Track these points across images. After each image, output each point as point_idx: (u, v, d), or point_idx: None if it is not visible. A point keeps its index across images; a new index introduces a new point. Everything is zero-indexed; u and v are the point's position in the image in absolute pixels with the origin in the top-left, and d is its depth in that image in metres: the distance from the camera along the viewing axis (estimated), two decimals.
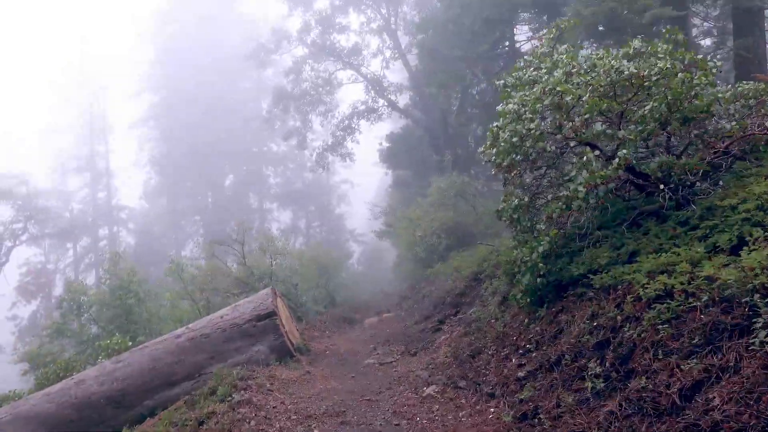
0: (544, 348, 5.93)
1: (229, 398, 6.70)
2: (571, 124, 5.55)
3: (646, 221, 6.34)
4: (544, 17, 22.87)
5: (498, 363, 6.67)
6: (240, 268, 17.06)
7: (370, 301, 28.79)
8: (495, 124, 6.55)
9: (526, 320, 6.85)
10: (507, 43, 22.52)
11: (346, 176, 60.58)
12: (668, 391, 3.91)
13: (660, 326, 4.37)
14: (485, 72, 23.93)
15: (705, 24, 17.47)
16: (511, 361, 6.45)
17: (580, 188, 5.35)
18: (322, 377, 8.43)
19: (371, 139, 52.63)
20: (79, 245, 47.73)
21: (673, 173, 5.66)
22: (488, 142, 7.51)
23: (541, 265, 6.29)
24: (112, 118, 52.95)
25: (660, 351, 4.24)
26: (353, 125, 32.06)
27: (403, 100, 32.67)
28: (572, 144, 6.14)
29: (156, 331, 15.31)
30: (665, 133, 5.61)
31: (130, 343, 11.43)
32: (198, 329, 9.65)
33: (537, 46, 8.00)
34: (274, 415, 6.22)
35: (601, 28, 15.28)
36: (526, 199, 6.86)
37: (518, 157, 6.33)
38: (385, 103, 31.52)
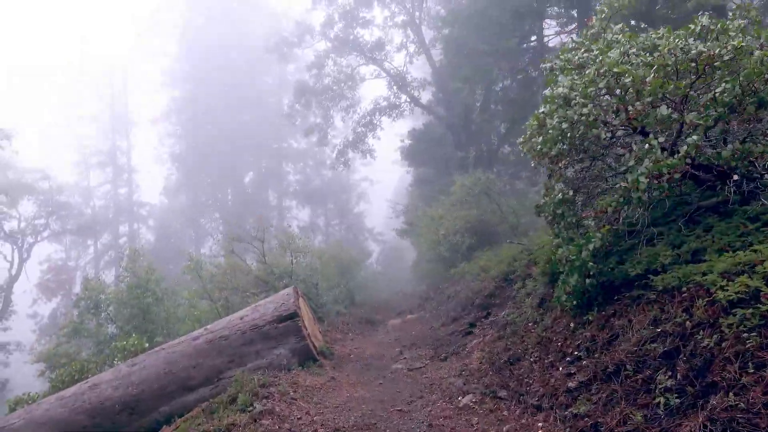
0: (597, 356, 5.36)
1: (251, 408, 6.21)
2: (631, 108, 4.96)
3: (705, 217, 5.76)
4: (574, 12, 22.18)
5: (542, 371, 6.11)
6: (260, 267, 16.65)
7: (390, 301, 28.27)
8: (541, 110, 5.99)
9: (572, 324, 6.28)
10: (535, 38, 21.88)
11: (366, 174, 60.30)
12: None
13: (745, 334, 3.79)
14: (511, 67, 23.30)
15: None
16: (557, 369, 5.89)
17: (642, 179, 4.77)
18: (348, 384, 7.93)
19: (392, 137, 52.19)
20: (100, 242, 47.91)
21: (739, 164, 5.05)
22: (529, 132, 6.96)
23: (591, 264, 5.71)
24: (135, 114, 53.27)
25: (750, 363, 3.66)
26: (375, 121, 31.55)
27: (425, 96, 32.12)
28: (628, 131, 5.55)
29: (174, 331, 14.97)
30: (737, 119, 4.97)
31: (147, 345, 11.04)
32: (216, 331, 9.22)
33: (572, 38, 7.41)
34: (299, 427, 5.72)
35: (632, 22, 14.64)
36: (571, 192, 6.29)
37: (565, 146, 5.78)
38: (408, 99, 30.96)
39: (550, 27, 22.95)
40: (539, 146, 5.95)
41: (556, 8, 22.17)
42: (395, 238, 56.42)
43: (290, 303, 9.28)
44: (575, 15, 22.13)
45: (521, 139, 7.21)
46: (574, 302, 6.11)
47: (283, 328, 9.04)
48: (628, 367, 4.69)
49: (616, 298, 5.73)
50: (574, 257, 5.91)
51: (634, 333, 4.99)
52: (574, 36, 23.95)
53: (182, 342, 9.32)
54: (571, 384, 5.36)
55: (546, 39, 22.34)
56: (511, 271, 11.25)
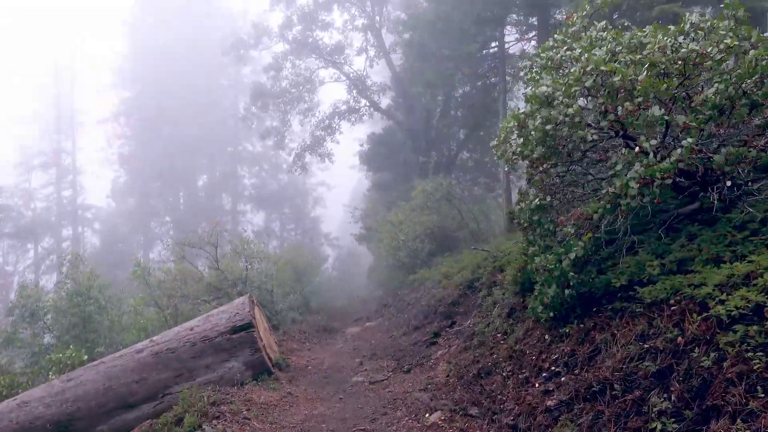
0: (578, 372, 5.01)
1: (199, 431, 5.60)
2: (621, 108, 4.65)
3: (684, 225, 5.53)
4: (533, 19, 22.27)
5: (516, 387, 5.73)
6: (212, 273, 15.89)
7: (347, 307, 27.72)
8: (521, 111, 5.64)
9: (547, 337, 5.94)
10: (496, 44, 21.78)
11: (323, 178, 59.62)
12: None
13: (749, 353, 3.48)
14: (472, 73, 23.21)
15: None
16: (533, 385, 5.52)
17: (632, 184, 4.45)
18: (306, 399, 7.40)
19: (349, 142, 51.72)
20: (41, 246, 45.51)
21: (731, 170, 4.80)
22: (503, 135, 6.62)
23: (571, 274, 5.38)
24: (81, 114, 51.03)
25: (758, 386, 3.34)
26: (334, 125, 31.01)
27: (385, 101, 31.79)
28: (611, 134, 5.25)
29: (118, 341, 14.06)
30: (727, 122, 4.72)
31: (86, 357, 10.18)
32: (163, 343, 8.53)
33: (554, 37, 7.15)
34: None
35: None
36: (548, 198, 5.97)
37: (545, 149, 5.44)
38: (367, 104, 30.57)
39: (510, 34, 22.95)
40: (519, 148, 5.59)
41: (515, 15, 22.21)
42: (351, 243, 55.94)
43: (245, 312, 8.68)
44: (535, 23, 22.24)
45: (494, 142, 6.87)
46: (551, 314, 5.77)
47: (236, 339, 8.43)
48: (615, 386, 4.34)
49: (595, 310, 5.42)
50: (552, 266, 5.57)
51: (619, 348, 4.66)
52: (533, 43, 24.15)
53: (124, 355, 8.58)
54: (550, 402, 4.99)
55: (507, 45, 22.30)
56: (476, 279, 10.93)
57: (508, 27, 22.42)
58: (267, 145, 55.06)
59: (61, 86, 49.43)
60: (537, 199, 5.95)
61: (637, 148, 4.55)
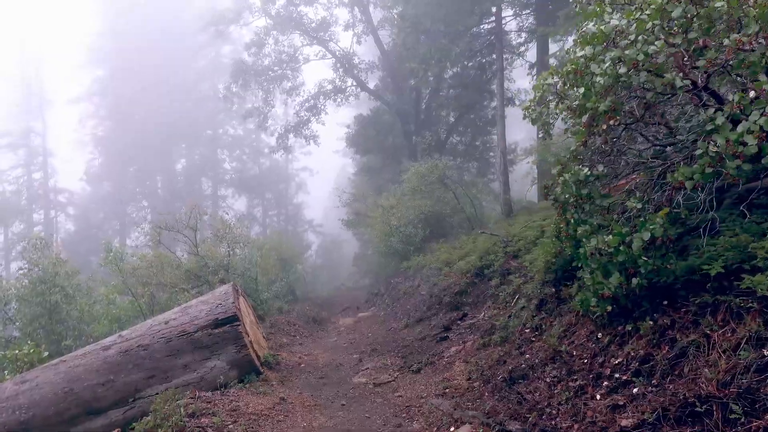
0: (658, 383, 3.96)
1: None
2: (727, 41, 3.55)
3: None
4: None
5: (569, 398, 4.66)
6: (192, 259, 14.63)
7: (334, 296, 26.63)
8: (578, 52, 4.50)
9: (601, 336, 4.88)
10: (493, 19, 20.61)
11: (306, 164, 58.18)
12: None
13: None
14: (468, 50, 22.03)
15: None
16: (593, 397, 4.44)
17: (750, 139, 3.36)
18: (303, 407, 6.26)
19: (333, 127, 50.26)
20: (11, 231, 43.49)
21: None
22: (538, 94, 5.52)
23: (643, 259, 4.31)
24: (52, 93, 48.82)
25: None
26: (319, 105, 29.60)
27: (372, 81, 30.44)
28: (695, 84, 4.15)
29: (87, 332, 12.82)
30: None
31: (46, 354, 8.92)
32: (134, 339, 7.33)
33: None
34: None
35: None
36: (601, 168, 4.88)
37: (610, 101, 4.33)
38: (354, 83, 29.20)
39: (507, 8, 21.78)
40: (578, 101, 4.46)
41: None
42: (335, 230, 54.66)
43: (228, 303, 7.51)
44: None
45: (527, 102, 5.77)
46: (608, 308, 4.69)
47: (219, 334, 7.26)
48: (733, 407, 3.27)
49: (666, 303, 4.37)
50: (613, 250, 4.49)
51: (720, 355, 3.60)
52: (530, 20, 23.05)
53: (89, 353, 7.36)
54: (625, 422, 3.91)
55: (504, 21, 21.14)
56: (486, 266, 9.87)
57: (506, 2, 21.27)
58: (248, 128, 53.44)
59: (29, 64, 47.20)
60: (586, 170, 4.86)
61: (752, 93, 3.44)
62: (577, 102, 4.45)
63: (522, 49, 21.50)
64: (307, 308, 16.85)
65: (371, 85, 29.76)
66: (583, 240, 4.93)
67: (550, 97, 5.66)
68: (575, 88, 4.50)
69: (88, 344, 9.98)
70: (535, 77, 21.94)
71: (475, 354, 6.86)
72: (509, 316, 7.16)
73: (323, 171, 63.04)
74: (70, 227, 46.98)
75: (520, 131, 35.66)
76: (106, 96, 47.04)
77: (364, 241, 37.95)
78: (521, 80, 25.12)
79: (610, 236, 4.51)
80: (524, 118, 6.17)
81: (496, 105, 20.45)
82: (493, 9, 19.83)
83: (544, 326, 5.97)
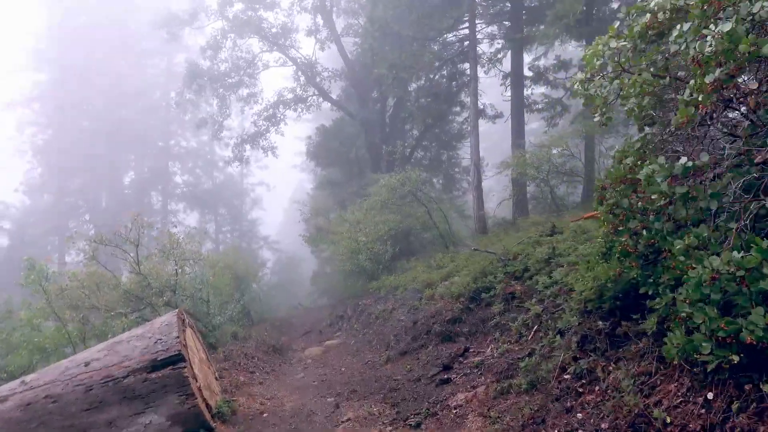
0: None
1: None
2: None
3: None
4: (507, 4, 20.28)
5: None
6: (133, 278, 12.71)
7: (292, 317, 24.78)
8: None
9: (713, 397, 3.43)
10: (467, 25, 19.52)
11: (261, 178, 56.10)
12: None
13: None
14: (438, 58, 20.88)
15: None
16: None
17: None
18: None
19: (291, 140, 48.52)
20: None
21: None
22: (597, 62, 4.16)
23: None
24: None
25: None
26: (278, 115, 27.92)
27: (335, 92, 28.97)
28: None
29: (2, 366, 10.77)
30: None
31: None
32: (41, 387, 5.55)
33: None
34: None
35: None
36: (707, 157, 3.49)
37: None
38: (316, 92, 27.68)
39: (481, 17, 20.79)
40: (693, 51, 3.08)
41: None
42: (292, 246, 52.71)
43: (171, 338, 5.82)
44: (508, 6, 20.23)
45: (579, 76, 4.40)
46: (734, 358, 3.21)
47: (157, 380, 5.57)
48: None
49: None
50: (746, 274, 3.07)
51: None
52: (504, 29, 22.13)
53: None
54: None
55: (477, 28, 20.10)
56: (483, 288, 8.42)
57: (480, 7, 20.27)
58: (202, 140, 51.18)
59: None
60: (684, 160, 3.47)
61: None
62: (713, 46, 3.03)
63: (499, 56, 20.44)
64: (265, 333, 15.07)
65: (334, 96, 28.31)
66: (679, 259, 3.51)
67: (608, 71, 4.29)
68: (714, 26, 3.06)
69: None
70: (508, 87, 20.96)
71: (492, 404, 5.36)
72: (531, 354, 5.72)
73: (279, 186, 61.18)
74: (4, 242, 43.43)
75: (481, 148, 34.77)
76: (47, 102, 43.98)
77: (323, 259, 36.18)
78: (491, 90, 24.21)
79: (739, 254, 3.09)
80: (574, 97, 4.80)
81: (470, 115, 19.34)
82: (466, 15, 18.79)
83: (597, 373, 4.51)
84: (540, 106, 21.33)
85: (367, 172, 26.23)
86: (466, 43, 20.10)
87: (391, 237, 17.49)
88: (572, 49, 21.41)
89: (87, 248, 12.49)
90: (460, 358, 6.96)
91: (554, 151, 14.65)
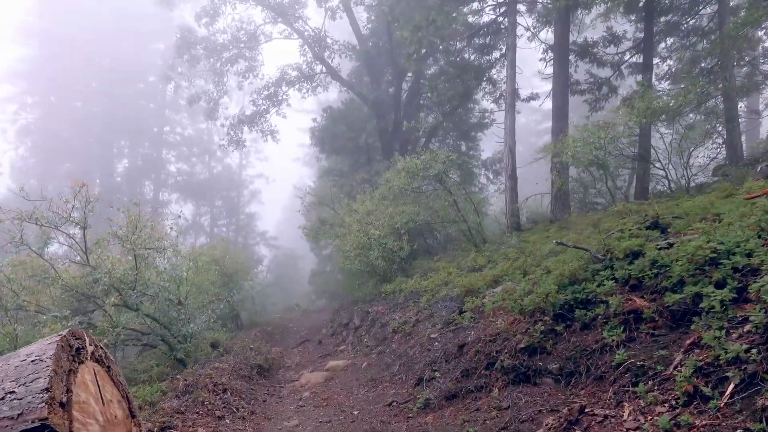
0: None
1: None
2: None
3: None
4: None
5: None
6: (77, 271, 9.77)
7: (288, 320, 21.84)
8: None
9: None
10: None
11: (261, 170, 53.17)
12: None
13: None
14: (469, 27, 17.91)
15: None
16: None
17: None
18: None
19: (293, 131, 45.53)
20: None
21: None
22: None
23: None
24: None
25: None
26: (280, 94, 24.91)
27: (344, 72, 25.90)
28: None
29: None
30: None
31: None
32: None
33: None
34: None
35: None
36: None
37: None
38: (323, 70, 24.68)
39: None
40: None
41: None
42: (290, 243, 49.71)
43: (35, 391, 2.86)
44: None
45: None
46: None
47: None
48: None
49: None
50: None
51: None
52: None
53: None
54: None
55: None
56: (578, 302, 5.46)
57: None
58: (199, 128, 48.14)
59: None
60: None
61: None
62: None
63: (540, 26, 17.44)
64: (252, 343, 12.14)
65: (343, 76, 25.27)
66: None
67: None
68: None
69: None
70: (548, 64, 18.06)
71: None
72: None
73: (280, 183, 58.27)
74: None
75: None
76: (34, 79, 40.93)
77: (324, 257, 33.22)
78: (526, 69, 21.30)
79: None
80: None
81: (505, 91, 16.34)
82: None
83: None
84: (583, 87, 18.43)
85: (376, 161, 23.29)
86: (503, 9, 17.14)
87: (407, 232, 14.56)
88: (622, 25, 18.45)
89: (14, 230, 9.48)
90: (574, 428, 3.98)
91: (621, 128, 11.67)
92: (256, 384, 8.13)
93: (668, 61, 18.72)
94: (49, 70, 40.24)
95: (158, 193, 46.24)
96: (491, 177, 25.57)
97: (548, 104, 17.35)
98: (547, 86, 18.67)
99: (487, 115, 24.32)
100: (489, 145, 25.76)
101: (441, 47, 18.05)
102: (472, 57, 19.30)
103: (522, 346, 5.41)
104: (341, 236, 15.70)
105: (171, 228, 11.32)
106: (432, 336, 7.83)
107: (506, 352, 5.51)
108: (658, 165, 12.36)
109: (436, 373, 6.37)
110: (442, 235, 17.18)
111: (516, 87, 18.83)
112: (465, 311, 7.70)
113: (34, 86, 40.88)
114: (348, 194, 20.80)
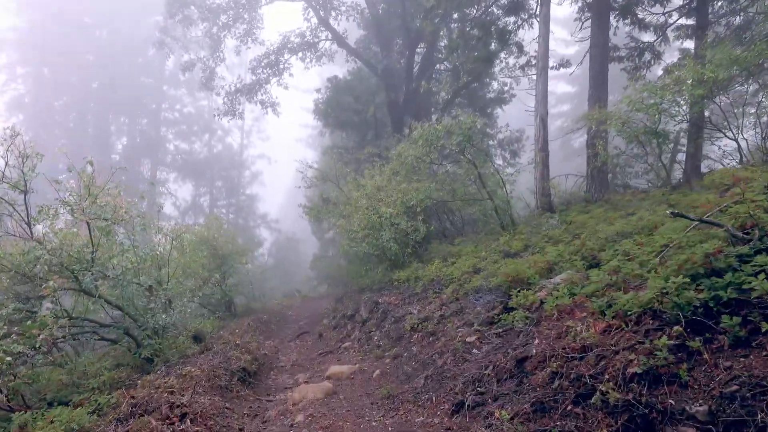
0: None
1: None
2: None
3: None
4: None
5: None
6: (22, 247, 7.87)
7: (286, 307, 20.02)
8: None
9: None
10: None
11: (263, 150, 51.09)
12: None
13: None
14: None
15: None
16: None
17: None
18: None
19: (295, 110, 43.36)
20: None
21: None
22: None
23: None
24: None
25: None
26: (282, 63, 22.81)
27: (352, 39, 23.76)
28: None
29: None
30: None
31: None
32: None
33: None
34: None
35: None
36: None
37: None
38: (329, 37, 22.57)
39: None
40: None
41: None
42: (291, 226, 47.92)
43: None
44: None
45: None
46: None
47: None
48: None
49: None
50: None
51: None
52: None
53: None
54: None
55: None
56: (720, 302, 3.49)
57: None
58: (200, 105, 46.11)
59: None
60: None
61: None
62: None
63: None
64: (242, 337, 10.25)
65: (351, 44, 23.15)
66: None
67: None
68: None
69: None
70: (583, 25, 15.99)
71: None
72: None
73: (282, 164, 56.21)
74: None
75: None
76: (25, 48, 38.77)
77: (326, 241, 31.43)
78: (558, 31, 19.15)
79: None
80: None
81: (538, 52, 14.22)
82: None
83: None
84: (621, 53, 16.32)
85: (384, 137, 21.27)
86: None
87: (423, 211, 12.59)
88: None
89: None
90: None
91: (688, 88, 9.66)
92: (235, 399, 6.21)
93: (715, 27, 16.60)
94: (41, 40, 38.08)
95: (156, 172, 44.23)
96: (508, 157, 23.52)
97: (568, 81, 15.27)
98: (574, 54, 16.54)
99: (506, 89, 22.27)
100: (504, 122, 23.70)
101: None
102: (498, 14, 17.09)
103: (636, 371, 3.45)
104: (346, 216, 13.74)
105: (142, 196, 9.36)
106: (468, 340, 5.90)
107: (609, 380, 3.55)
108: (729, 134, 10.25)
109: (486, 396, 4.44)
110: (459, 217, 15.19)
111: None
112: (513, 308, 5.77)
113: (27, 56, 38.73)
114: (354, 171, 18.86)
